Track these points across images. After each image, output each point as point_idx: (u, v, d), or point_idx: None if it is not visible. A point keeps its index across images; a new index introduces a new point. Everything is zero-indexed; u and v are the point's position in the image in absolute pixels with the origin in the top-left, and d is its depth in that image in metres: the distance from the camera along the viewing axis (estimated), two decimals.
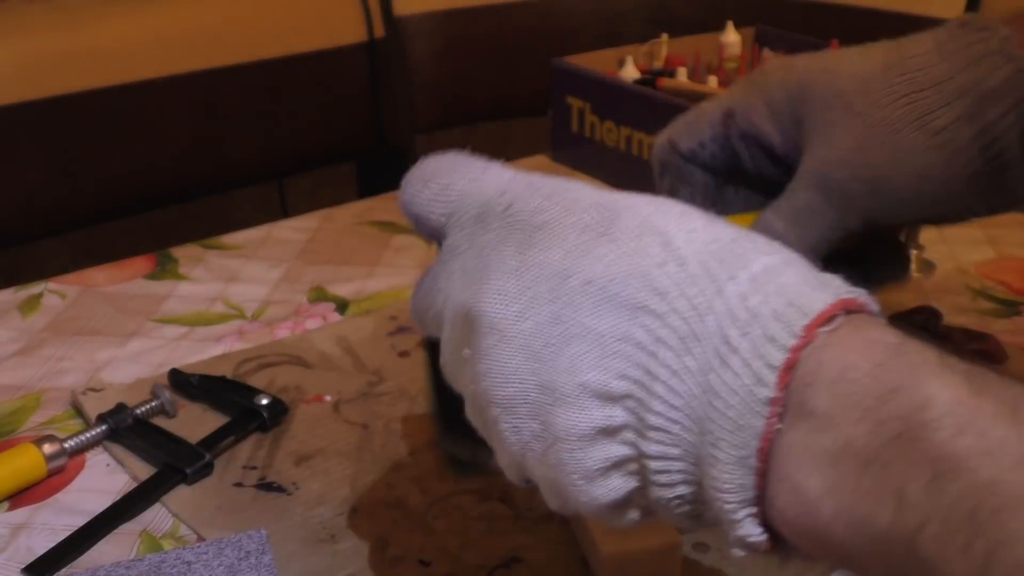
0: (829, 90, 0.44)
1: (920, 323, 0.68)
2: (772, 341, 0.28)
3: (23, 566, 0.49)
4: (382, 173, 1.35)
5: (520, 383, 0.32)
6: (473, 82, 1.42)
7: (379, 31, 1.32)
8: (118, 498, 0.54)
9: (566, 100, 0.98)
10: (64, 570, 0.50)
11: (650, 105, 0.88)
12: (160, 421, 0.61)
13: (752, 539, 0.29)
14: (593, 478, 0.31)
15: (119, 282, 0.80)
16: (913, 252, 0.81)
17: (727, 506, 0.29)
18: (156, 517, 0.54)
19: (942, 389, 0.26)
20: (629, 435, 0.30)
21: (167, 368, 0.65)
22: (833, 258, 0.43)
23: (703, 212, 0.33)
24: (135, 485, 0.55)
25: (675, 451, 0.30)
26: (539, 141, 1.04)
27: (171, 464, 0.56)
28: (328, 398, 0.63)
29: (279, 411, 0.61)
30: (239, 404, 0.61)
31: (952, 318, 0.72)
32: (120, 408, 0.59)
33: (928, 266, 0.81)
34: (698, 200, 0.48)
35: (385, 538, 0.51)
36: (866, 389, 0.27)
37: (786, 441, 0.28)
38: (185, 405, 0.63)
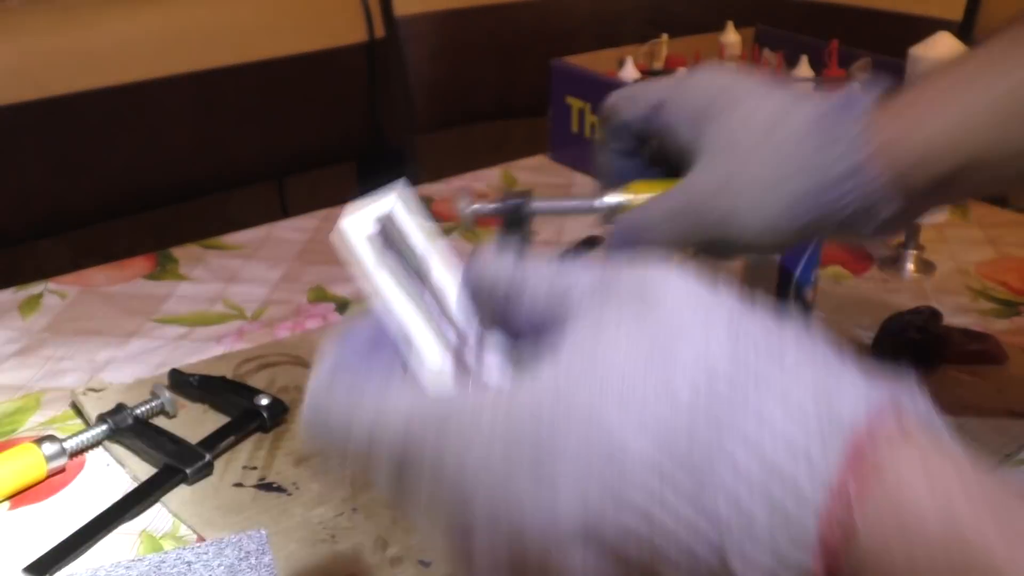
0: (729, 121, 0.47)
1: (920, 323, 0.68)
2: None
3: (23, 566, 0.49)
4: (382, 173, 1.35)
5: None
6: (473, 82, 1.42)
7: (379, 31, 1.32)
8: (118, 498, 0.54)
9: (566, 100, 0.98)
10: (64, 570, 0.50)
11: None
12: (160, 421, 0.61)
13: None
14: None
15: (119, 282, 0.80)
16: (913, 252, 0.81)
17: None
18: (156, 517, 0.54)
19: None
20: None
21: (167, 368, 0.65)
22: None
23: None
24: (135, 485, 0.56)
25: None
26: (539, 141, 1.04)
27: (171, 464, 0.56)
28: None
29: (279, 411, 0.61)
30: (239, 404, 0.61)
31: (952, 318, 0.72)
32: (120, 408, 0.59)
33: (928, 266, 0.81)
34: (622, 158, 0.52)
35: (385, 538, 0.51)
36: None
37: None
38: (185, 405, 0.63)
